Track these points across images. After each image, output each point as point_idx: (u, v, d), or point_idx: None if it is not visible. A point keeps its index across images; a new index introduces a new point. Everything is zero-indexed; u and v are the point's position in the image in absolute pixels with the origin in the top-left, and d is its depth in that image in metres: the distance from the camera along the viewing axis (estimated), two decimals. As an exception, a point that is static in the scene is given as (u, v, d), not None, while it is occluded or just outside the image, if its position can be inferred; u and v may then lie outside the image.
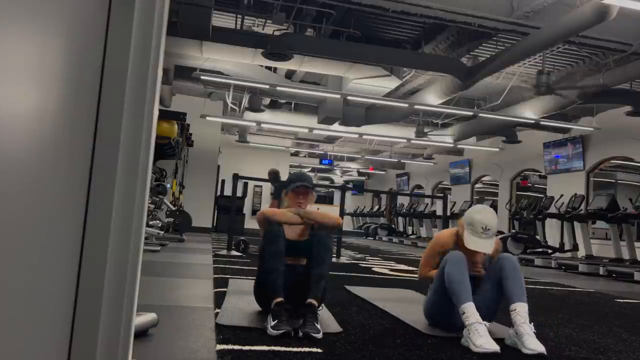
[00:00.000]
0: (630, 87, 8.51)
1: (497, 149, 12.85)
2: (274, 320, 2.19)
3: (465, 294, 2.27)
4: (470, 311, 2.21)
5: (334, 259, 6.58)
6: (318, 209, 2.98)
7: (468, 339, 2.16)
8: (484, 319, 2.21)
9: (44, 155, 0.78)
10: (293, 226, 2.64)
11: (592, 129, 9.82)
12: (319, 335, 2.14)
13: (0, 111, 0.63)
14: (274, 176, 7.30)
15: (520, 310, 2.23)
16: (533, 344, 2.11)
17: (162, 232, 7.15)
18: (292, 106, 11.85)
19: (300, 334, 2.15)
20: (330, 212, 2.78)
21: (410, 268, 6.36)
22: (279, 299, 2.32)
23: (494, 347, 2.08)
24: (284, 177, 8.11)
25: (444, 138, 11.98)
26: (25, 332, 0.77)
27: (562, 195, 9.68)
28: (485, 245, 2.41)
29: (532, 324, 2.21)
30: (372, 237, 16.72)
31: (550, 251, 9.57)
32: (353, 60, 7.40)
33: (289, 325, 2.17)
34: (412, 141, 12.24)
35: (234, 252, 6.48)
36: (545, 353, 2.10)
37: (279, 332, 2.13)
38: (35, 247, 0.79)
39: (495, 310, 2.52)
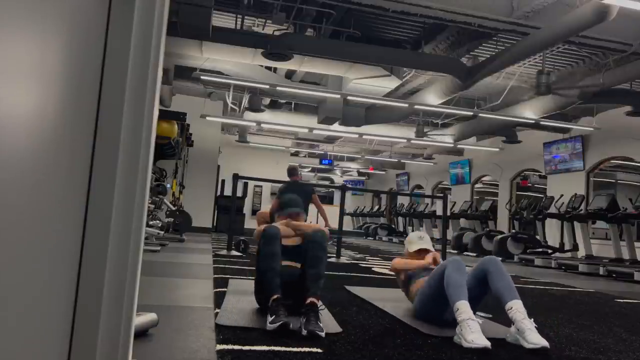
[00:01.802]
0: (630, 87, 8.51)
1: (497, 149, 12.85)
2: (271, 316, 2.24)
3: (461, 293, 2.31)
4: (463, 308, 2.24)
5: (334, 259, 6.58)
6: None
7: (460, 335, 2.17)
8: None
9: (44, 155, 0.78)
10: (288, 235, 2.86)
11: (592, 129, 9.83)
12: (323, 334, 2.17)
13: (0, 111, 0.63)
14: (291, 171, 7.27)
15: (518, 307, 2.25)
16: (535, 338, 2.12)
17: (162, 232, 7.15)
18: (292, 106, 11.85)
19: (305, 332, 2.17)
20: (315, 224, 3.07)
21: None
22: (276, 296, 2.38)
23: (485, 342, 2.08)
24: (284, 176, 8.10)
25: (444, 138, 11.97)
26: (25, 332, 0.77)
27: (562, 195, 9.68)
28: (425, 244, 3.07)
29: (532, 319, 2.22)
30: (372, 237, 16.72)
31: (550, 251, 9.57)
32: (353, 60, 7.40)
33: (286, 318, 2.20)
34: (412, 141, 12.24)
35: (234, 252, 6.48)
36: (548, 346, 2.11)
37: (276, 324, 2.16)
38: (36, 247, 0.79)
39: (478, 304, 2.55)
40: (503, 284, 2.35)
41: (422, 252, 3.05)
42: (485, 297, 2.53)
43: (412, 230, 16.08)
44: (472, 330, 2.13)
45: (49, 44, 0.77)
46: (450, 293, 2.33)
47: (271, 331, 2.18)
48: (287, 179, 7.27)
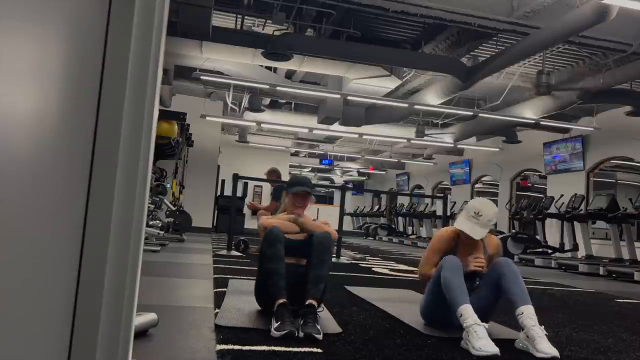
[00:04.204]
0: (630, 87, 8.50)
1: (497, 149, 12.85)
2: (277, 322, 2.19)
3: (462, 297, 2.25)
4: (467, 313, 2.20)
5: (334, 259, 6.58)
6: (318, 209, 3.01)
7: (467, 341, 2.13)
8: (480, 320, 2.21)
9: (44, 155, 0.78)
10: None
11: (592, 129, 9.82)
12: (320, 336, 2.14)
13: (0, 111, 0.63)
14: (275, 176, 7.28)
15: (529, 313, 2.21)
16: (546, 347, 2.08)
17: (162, 232, 7.15)
18: (292, 106, 11.85)
19: (302, 334, 2.15)
20: (322, 224, 2.76)
21: (411, 268, 6.36)
22: (282, 300, 2.32)
23: (493, 349, 2.05)
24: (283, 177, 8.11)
25: (444, 138, 11.97)
26: (25, 332, 0.77)
27: (562, 195, 9.68)
28: (473, 230, 2.45)
29: (542, 326, 2.18)
30: (372, 237, 16.72)
31: (550, 251, 9.57)
32: (353, 60, 7.40)
33: (292, 326, 2.17)
34: (412, 141, 12.23)
35: (234, 252, 6.48)
36: (559, 356, 2.07)
37: (282, 332, 2.13)
38: (36, 247, 0.79)
39: (492, 311, 2.52)
40: (516, 288, 2.31)
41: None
42: (499, 304, 2.49)
43: (412, 231, 16.17)
44: (480, 337, 2.10)
45: (49, 44, 0.77)
46: (451, 298, 2.28)
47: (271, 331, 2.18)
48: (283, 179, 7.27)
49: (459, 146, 13.37)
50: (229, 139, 14.93)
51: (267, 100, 10.66)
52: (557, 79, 8.24)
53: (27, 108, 0.71)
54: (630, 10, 5.19)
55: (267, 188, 16.11)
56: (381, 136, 12.31)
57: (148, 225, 6.86)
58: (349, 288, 3.88)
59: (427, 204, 14.82)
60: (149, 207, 5.57)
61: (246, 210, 12.63)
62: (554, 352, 2.07)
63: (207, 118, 10.55)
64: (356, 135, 12.23)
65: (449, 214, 8.32)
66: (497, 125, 10.49)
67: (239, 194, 11.85)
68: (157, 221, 7.42)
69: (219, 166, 12.98)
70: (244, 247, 6.83)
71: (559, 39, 5.77)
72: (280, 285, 2.39)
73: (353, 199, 23.38)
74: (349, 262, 6.63)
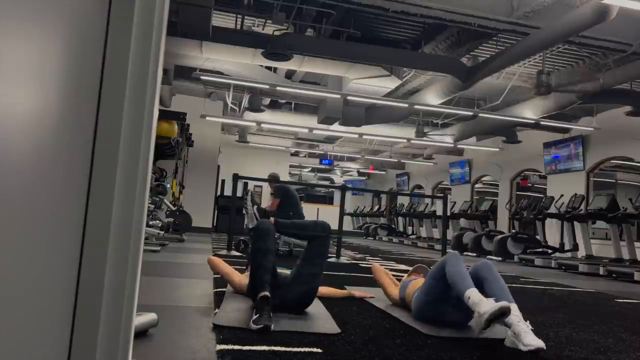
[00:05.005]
0: (630, 87, 8.50)
1: (497, 149, 12.85)
2: (256, 315, 2.24)
3: (468, 283, 2.34)
4: (474, 294, 2.27)
5: (334, 259, 6.58)
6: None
7: (476, 317, 2.19)
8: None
9: (44, 155, 0.78)
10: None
11: (592, 129, 9.82)
12: (272, 326, 2.19)
13: (0, 111, 0.63)
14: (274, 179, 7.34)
15: (513, 311, 2.25)
16: (531, 340, 2.12)
17: (162, 232, 7.15)
18: (292, 106, 11.85)
19: (255, 327, 2.18)
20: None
21: (411, 268, 6.35)
22: (264, 294, 2.36)
23: (499, 304, 2.12)
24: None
25: (444, 138, 11.97)
26: (25, 332, 0.77)
27: (562, 195, 9.68)
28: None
29: (527, 322, 2.21)
30: (372, 237, 16.72)
31: (550, 251, 9.57)
32: (353, 60, 7.40)
33: (268, 320, 2.20)
34: (412, 141, 12.23)
35: (234, 252, 6.48)
36: (544, 347, 2.10)
37: (259, 326, 2.16)
38: (36, 247, 0.79)
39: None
40: (498, 289, 2.37)
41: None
42: None
43: (412, 231, 16.21)
44: (485, 305, 2.18)
45: (49, 44, 0.77)
46: (457, 286, 2.36)
47: (272, 331, 2.19)
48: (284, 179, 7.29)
49: (459, 146, 13.37)
50: (229, 139, 14.93)
51: (267, 100, 10.66)
52: (557, 79, 8.23)
53: (27, 108, 0.71)
54: (630, 10, 5.19)
55: (267, 188, 16.12)
56: (381, 136, 12.31)
57: (148, 225, 6.86)
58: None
59: (427, 204, 14.82)
60: (149, 207, 5.57)
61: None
62: (540, 343, 2.11)
63: (207, 118, 10.55)
64: (356, 135, 12.23)
65: (448, 214, 8.30)
66: (497, 125, 10.49)
67: (239, 194, 11.84)
68: (157, 221, 7.42)
69: (219, 166, 12.98)
70: (244, 247, 6.83)
71: (559, 39, 5.77)
72: (264, 279, 2.45)
73: (353, 199, 23.38)
74: (349, 262, 6.63)
